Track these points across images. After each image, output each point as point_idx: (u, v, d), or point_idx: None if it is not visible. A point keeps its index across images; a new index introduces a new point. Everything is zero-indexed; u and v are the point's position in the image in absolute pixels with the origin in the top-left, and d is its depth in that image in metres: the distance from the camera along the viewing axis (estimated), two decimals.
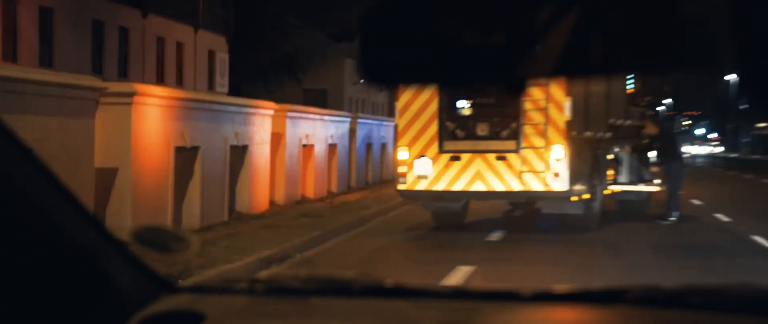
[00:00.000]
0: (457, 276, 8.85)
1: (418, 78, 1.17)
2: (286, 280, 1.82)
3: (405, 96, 12.75)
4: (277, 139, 16.20)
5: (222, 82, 26.74)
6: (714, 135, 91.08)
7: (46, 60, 18.05)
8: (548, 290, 1.71)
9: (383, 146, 24.20)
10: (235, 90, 25.00)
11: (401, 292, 1.74)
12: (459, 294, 1.83)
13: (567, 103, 12.02)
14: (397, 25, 0.98)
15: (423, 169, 12.58)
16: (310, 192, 18.10)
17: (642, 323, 1.53)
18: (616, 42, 0.94)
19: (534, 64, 0.93)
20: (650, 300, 1.64)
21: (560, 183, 12.01)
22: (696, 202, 18.11)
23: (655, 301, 1.64)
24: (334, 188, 19.60)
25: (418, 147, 12.61)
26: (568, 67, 0.96)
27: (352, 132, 21.43)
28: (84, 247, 1.53)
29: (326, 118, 19.82)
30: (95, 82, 10.87)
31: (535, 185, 12.15)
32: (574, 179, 12.09)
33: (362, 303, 1.73)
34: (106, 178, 10.43)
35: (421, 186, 12.59)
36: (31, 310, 1.45)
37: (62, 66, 16.96)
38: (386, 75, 1.09)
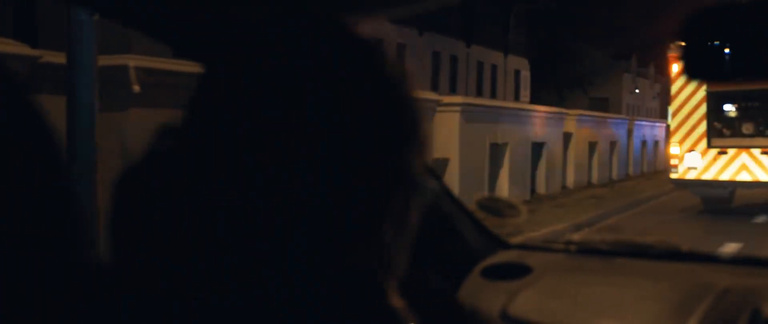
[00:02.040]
0: (727, 250, 7.83)
1: (726, 76, 1.05)
2: (595, 242, 1.70)
3: (676, 101, 11.66)
4: (567, 136, 15.64)
5: (525, 94, 26.60)
6: None
7: None
8: None
9: (656, 143, 22.45)
10: (535, 100, 24.64)
11: (696, 257, 1.57)
12: (749, 261, 1.56)
13: None
14: (711, 35, 0.91)
15: (693, 162, 11.43)
16: (595, 178, 17.24)
17: None
18: None
19: None
20: None
21: None
22: None
23: None
24: (614, 176, 18.52)
25: (688, 143, 11.48)
26: None
27: (629, 131, 20.11)
28: (443, 211, 1.53)
29: (607, 120, 18.79)
30: (434, 95, 11.17)
31: None
32: None
33: (660, 265, 1.54)
34: (440, 166, 10.66)
35: (691, 175, 11.42)
36: (408, 253, 1.51)
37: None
38: (705, 74, 1.03)
